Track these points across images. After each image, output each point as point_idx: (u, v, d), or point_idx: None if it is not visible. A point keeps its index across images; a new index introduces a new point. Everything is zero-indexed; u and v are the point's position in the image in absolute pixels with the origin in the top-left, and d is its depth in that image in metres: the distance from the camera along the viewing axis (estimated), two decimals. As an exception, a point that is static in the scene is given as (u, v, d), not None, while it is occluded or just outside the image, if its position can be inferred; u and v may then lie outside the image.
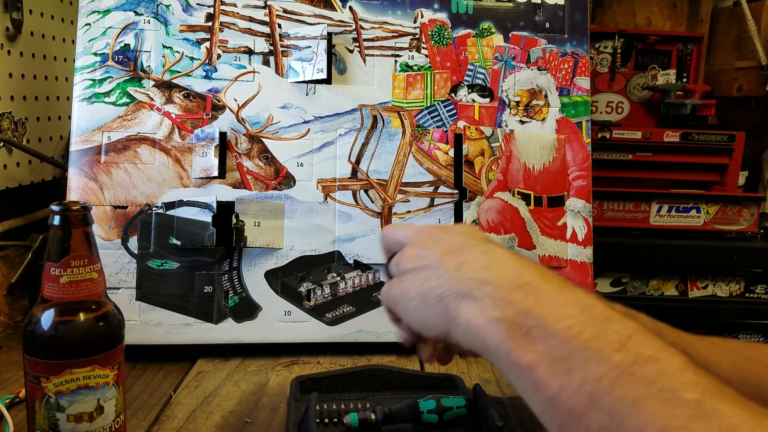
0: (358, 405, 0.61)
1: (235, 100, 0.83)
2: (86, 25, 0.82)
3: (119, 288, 0.78)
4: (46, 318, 0.49)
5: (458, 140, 0.85)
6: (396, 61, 0.86)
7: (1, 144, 0.90)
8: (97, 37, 0.82)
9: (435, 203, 0.84)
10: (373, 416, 0.57)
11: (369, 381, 0.66)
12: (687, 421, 0.29)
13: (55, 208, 0.49)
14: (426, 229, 0.46)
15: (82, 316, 0.50)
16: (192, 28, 0.83)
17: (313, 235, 0.81)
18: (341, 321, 0.80)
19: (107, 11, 0.82)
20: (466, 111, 0.86)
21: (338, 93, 0.84)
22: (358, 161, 0.83)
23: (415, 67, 0.86)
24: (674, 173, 1.21)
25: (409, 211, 0.83)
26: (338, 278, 0.81)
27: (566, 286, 0.38)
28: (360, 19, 0.86)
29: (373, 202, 0.83)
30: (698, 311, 1.19)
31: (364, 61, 0.86)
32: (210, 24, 0.83)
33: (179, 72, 0.82)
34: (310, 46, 0.83)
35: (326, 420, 0.59)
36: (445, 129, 0.85)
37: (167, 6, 0.83)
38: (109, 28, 0.82)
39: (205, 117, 0.82)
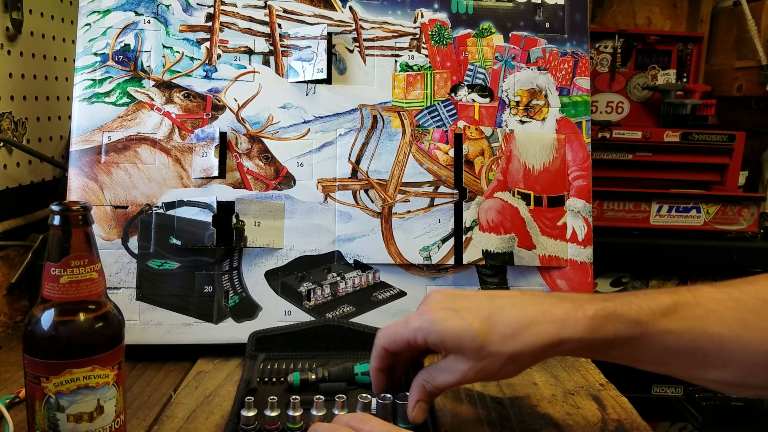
0: (305, 365, 0.69)
1: (235, 100, 0.83)
2: (86, 25, 0.82)
3: (119, 288, 0.78)
4: (46, 318, 0.49)
5: (458, 140, 0.85)
6: (396, 61, 0.86)
7: (1, 144, 0.90)
8: (97, 37, 0.82)
9: (435, 203, 0.84)
10: (313, 376, 0.66)
11: (320, 339, 0.73)
12: None
13: (55, 208, 0.49)
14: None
15: (82, 316, 0.50)
16: (192, 28, 0.83)
17: (313, 235, 0.81)
18: (341, 321, 0.81)
19: (107, 11, 0.82)
20: (466, 111, 0.86)
21: (338, 93, 0.84)
22: (358, 161, 0.83)
23: (415, 67, 0.86)
24: (674, 173, 1.21)
25: (409, 211, 0.83)
26: (338, 278, 0.81)
27: None
28: (360, 19, 0.86)
29: (373, 202, 0.83)
30: (698, 311, 1.19)
31: (364, 61, 0.86)
32: (210, 24, 0.83)
33: (179, 72, 0.82)
34: (310, 46, 0.83)
35: (273, 379, 0.67)
36: (445, 129, 0.85)
37: (167, 6, 0.83)
38: (109, 28, 0.82)
39: (205, 117, 0.82)
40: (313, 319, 0.80)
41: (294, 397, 0.59)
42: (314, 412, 0.57)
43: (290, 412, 0.57)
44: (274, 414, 0.57)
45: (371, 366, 0.58)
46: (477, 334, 0.51)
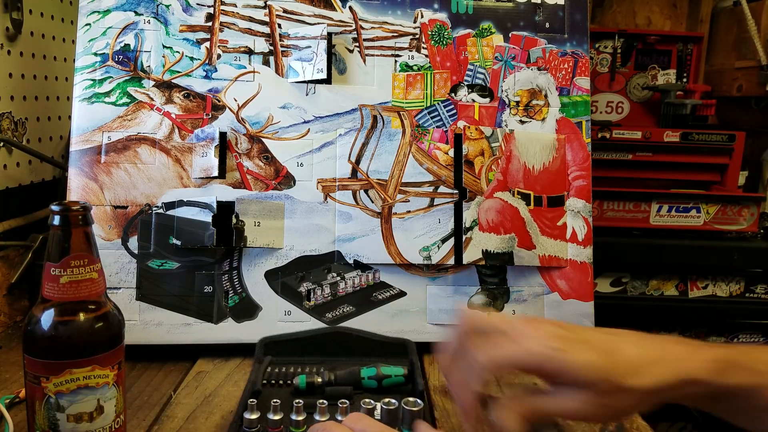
0: (313, 369, 0.68)
1: (235, 100, 0.83)
2: (86, 25, 0.82)
3: (119, 288, 0.78)
4: (46, 318, 0.49)
5: (458, 140, 0.85)
6: (396, 61, 0.86)
7: (1, 144, 0.90)
8: (97, 37, 0.82)
9: (435, 203, 0.84)
10: (318, 379, 0.65)
11: (329, 345, 0.73)
12: None
13: (55, 208, 0.49)
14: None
15: (82, 316, 0.50)
16: (192, 28, 0.83)
17: (313, 235, 0.81)
18: (341, 321, 0.80)
19: (107, 11, 0.82)
20: (466, 111, 0.86)
21: (338, 93, 0.84)
22: (358, 161, 0.83)
23: (415, 67, 0.86)
24: (674, 173, 1.21)
25: (409, 211, 0.83)
26: (338, 278, 0.81)
27: None
28: (360, 19, 0.86)
29: (373, 202, 0.83)
30: (698, 311, 1.19)
31: (364, 61, 0.86)
32: (210, 24, 0.83)
33: (179, 72, 0.82)
34: (310, 46, 0.83)
35: (280, 382, 0.67)
36: (445, 129, 0.85)
37: (167, 6, 0.83)
38: (109, 28, 0.82)
39: (205, 117, 0.82)
40: (314, 319, 0.80)
41: (297, 401, 0.58)
42: (317, 417, 0.57)
43: (293, 416, 0.57)
44: (276, 417, 0.57)
45: (466, 404, 0.51)
46: (601, 367, 0.48)
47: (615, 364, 0.48)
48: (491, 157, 0.85)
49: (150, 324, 0.77)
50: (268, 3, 0.85)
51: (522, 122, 0.87)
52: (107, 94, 0.81)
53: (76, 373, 0.49)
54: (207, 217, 0.79)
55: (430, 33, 0.87)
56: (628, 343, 0.50)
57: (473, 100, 0.87)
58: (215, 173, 0.80)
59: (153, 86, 0.82)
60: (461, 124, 0.86)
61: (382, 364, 0.67)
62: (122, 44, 0.82)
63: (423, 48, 0.86)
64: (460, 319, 0.52)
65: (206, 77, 0.83)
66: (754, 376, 0.48)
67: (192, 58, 0.83)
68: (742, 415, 0.51)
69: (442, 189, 0.84)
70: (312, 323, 0.80)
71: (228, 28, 0.84)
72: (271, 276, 0.80)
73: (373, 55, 0.86)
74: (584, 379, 0.48)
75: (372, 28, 0.86)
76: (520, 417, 0.49)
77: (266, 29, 0.84)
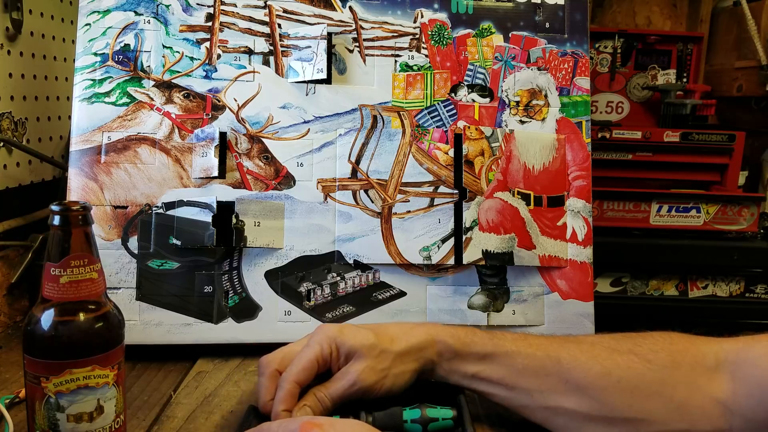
0: (348, 408, 0.60)
1: (235, 100, 0.83)
2: (86, 25, 0.82)
3: (119, 288, 0.78)
4: (46, 318, 0.49)
5: (458, 140, 0.85)
6: (396, 61, 0.86)
7: (1, 144, 0.90)
8: (97, 37, 0.82)
9: (435, 203, 0.84)
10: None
11: None
12: None
13: (55, 208, 0.49)
14: None
15: (82, 316, 0.50)
16: (192, 28, 0.83)
17: (313, 235, 0.81)
18: (341, 321, 0.80)
19: (107, 11, 0.82)
20: (466, 111, 0.86)
21: (338, 93, 0.84)
22: (358, 161, 0.83)
23: (415, 67, 0.86)
24: (674, 173, 1.21)
25: (409, 211, 0.83)
26: (338, 278, 0.81)
27: None
28: (360, 19, 0.86)
29: (373, 202, 0.83)
30: (698, 311, 1.19)
31: (364, 61, 0.86)
32: (210, 24, 0.83)
33: (179, 72, 0.82)
34: (310, 46, 0.83)
35: None
36: (445, 129, 0.85)
37: (167, 6, 0.83)
38: (109, 28, 0.82)
39: (205, 117, 0.82)
40: (314, 319, 0.80)
41: None
42: None
43: None
44: None
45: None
46: (372, 340, 0.60)
47: (380, 336, 0.61)
48: (491, 157, 0.85)
49: (150, 324, 0.77)
50: (268, 3, 0.85)
51: (522, 122, 0.87)
52: (107, 94, 0.81)
53: (76, 373, 0.49)
54: (207, 217, 0.79)
55: (430, 33, 0.87)
56: (392, 326, 0.64)
57: (473, 100, 0.87)
58: (215, 173, 0.80)
59: (153, 86, 0.82)
60: (461, 124, 0.86)
61: (427, 405, 0.59)
62: (122, 44, 0.82)
63: (423, 48, 0.86)
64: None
65: (206, 77, 0.83)
66: (487, 343, 0.61)
67: (192, 58, 0.83)
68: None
69: (442, 189, 0.84)
70: (312, 323, 0.80)
71: (228, 28, 0.84)
72: (271, 276, 0.80)
73: (373, 55, 0.86)
74: (360, 350, 0.59)
75: (372, 28, 0.86)
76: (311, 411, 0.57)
77: (266, 29, 0.84)
